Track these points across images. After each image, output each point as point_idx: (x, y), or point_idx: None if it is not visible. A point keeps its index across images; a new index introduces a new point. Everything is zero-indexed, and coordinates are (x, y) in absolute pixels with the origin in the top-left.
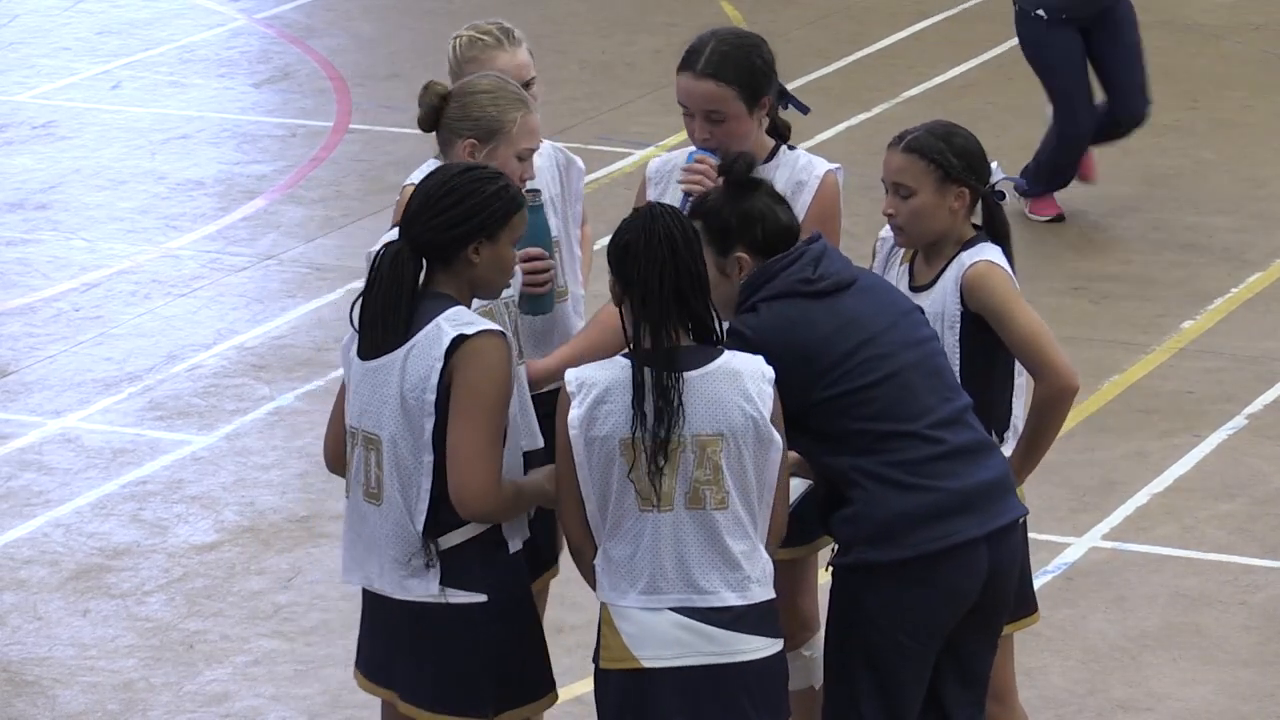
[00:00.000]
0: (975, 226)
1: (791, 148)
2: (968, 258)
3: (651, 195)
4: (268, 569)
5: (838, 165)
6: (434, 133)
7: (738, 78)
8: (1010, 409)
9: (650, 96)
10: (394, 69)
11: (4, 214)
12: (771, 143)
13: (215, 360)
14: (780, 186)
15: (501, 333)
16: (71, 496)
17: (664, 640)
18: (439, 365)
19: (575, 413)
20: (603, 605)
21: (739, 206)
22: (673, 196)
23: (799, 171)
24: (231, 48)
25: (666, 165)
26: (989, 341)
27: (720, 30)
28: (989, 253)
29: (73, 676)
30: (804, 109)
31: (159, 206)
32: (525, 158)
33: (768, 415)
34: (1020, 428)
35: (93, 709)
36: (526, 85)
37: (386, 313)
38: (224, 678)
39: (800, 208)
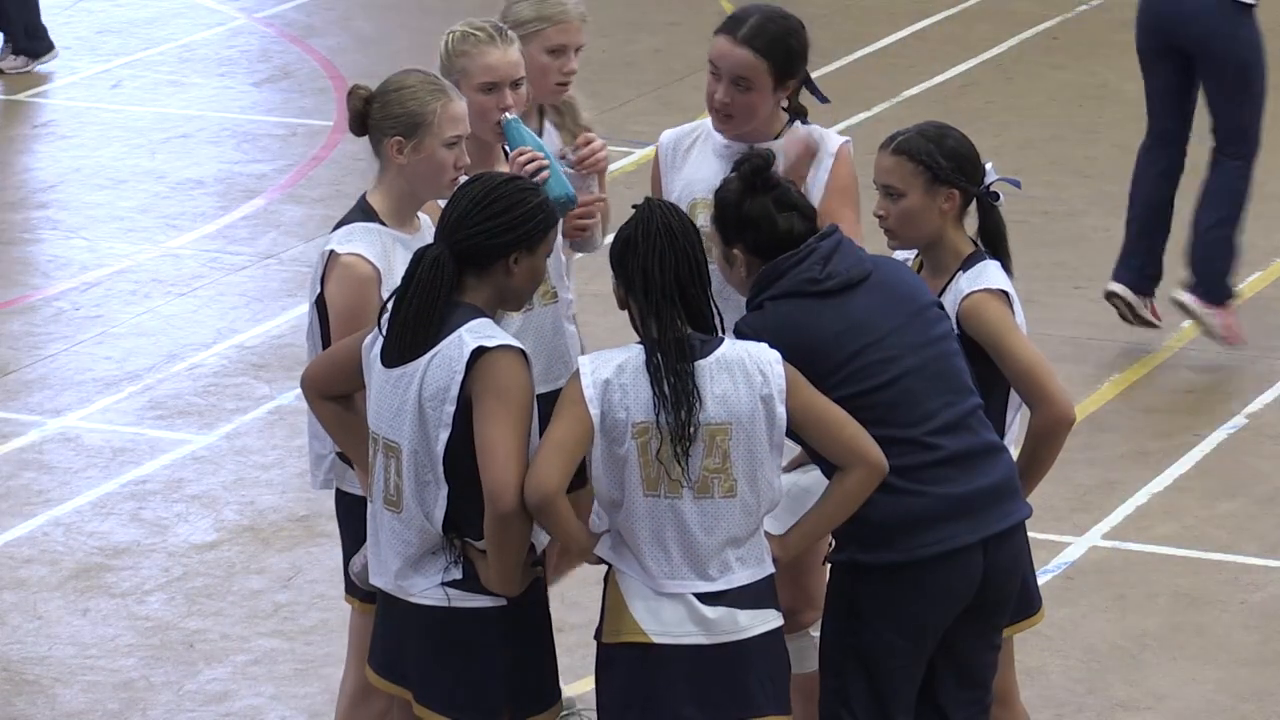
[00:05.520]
0: (974, 241)
1: (804, 123)
2: (966, 284)
3: (665, 167)
4: (268, 568)
5: (847, 138)
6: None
7: (773, 53)
8: (1005, 427)
9: (650, 96)
10: (394, 68)
11: (4, 213)
12: (784, 119)
13: (215, 359)
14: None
15: (521, 349)
16: (71, 496)
17: (673, 618)
18: (459, 377)
19: (590, 383)
20: (610, 578)
21: (741, 208)
22: (693, 169)
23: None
24: (231, 47)
25: (681, 137)
26: (988, 364)
27: (766, 6)
28: (988, 276)
29: (73, 676)
30: (823, 98)
31: (159, 206)
32: (455, 144)
33: (782, 390)
34: (1016, 439)
35: (92, 708)
36: (516, 84)
37: (418, 319)
38: (224, 677)
39: (818, 185)
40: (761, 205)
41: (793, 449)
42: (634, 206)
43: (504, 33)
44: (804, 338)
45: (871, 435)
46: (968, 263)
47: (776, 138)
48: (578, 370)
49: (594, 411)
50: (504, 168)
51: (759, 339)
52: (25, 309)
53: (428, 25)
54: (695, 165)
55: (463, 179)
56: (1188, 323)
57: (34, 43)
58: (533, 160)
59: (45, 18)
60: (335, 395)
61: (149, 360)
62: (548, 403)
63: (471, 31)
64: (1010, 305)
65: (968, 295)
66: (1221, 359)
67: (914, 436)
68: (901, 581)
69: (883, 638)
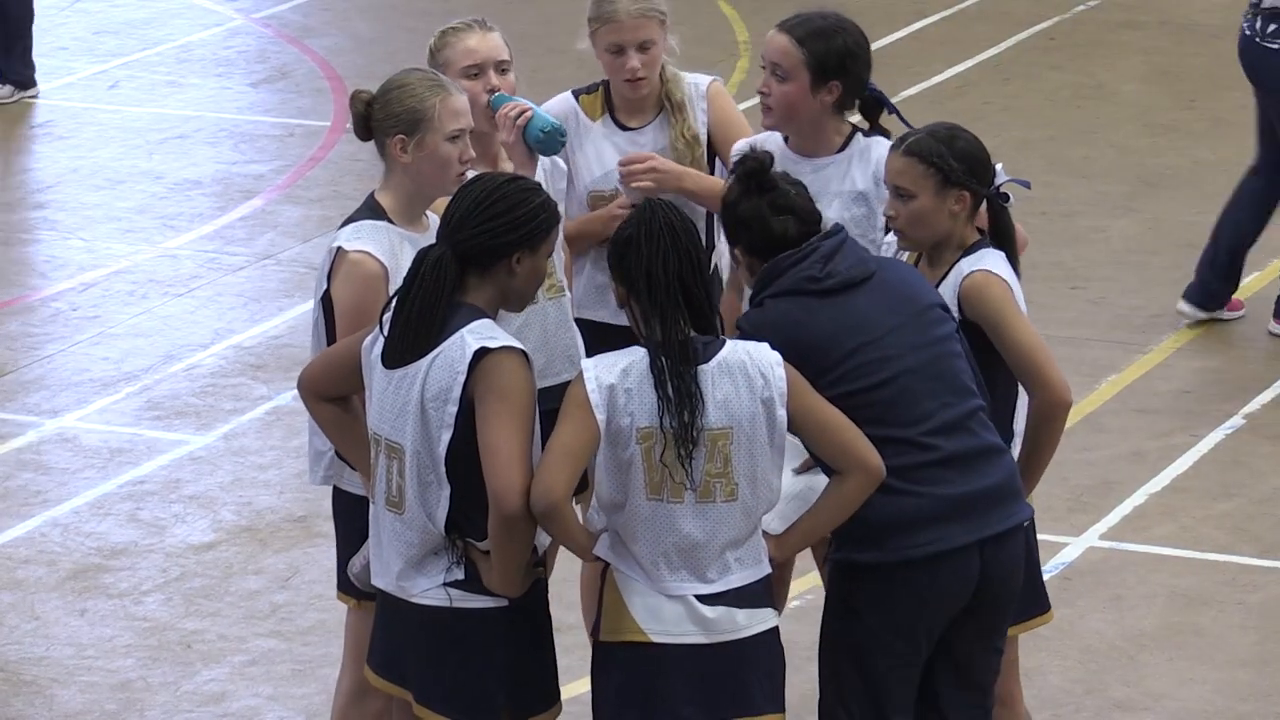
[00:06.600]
0: (980, 231)
1: (866, 133)
2: (967, 265)
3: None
4: (265, 569)
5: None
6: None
7: (811, 44)
8: (1012, 417)
9: None
10: (391, 69)
11: (1, 214)
12: (847, 130)
13: (213, 360)
14: (857, 179)
15: (523, 350)
16: (69, 496)
17: (672, 617)
18: (461, 378)
19: (595, 388)
20: (609, 577)
21: (736, 209)
22: None
23: (866, 160)
24: (229, 47)
25: (751, 146)
26: (989, 350)
27: (829, 10)
28: (989, 261)
29: (70, 676)
30: (909, 126)
31: (156, 206)
32: (458, 138)
33: (783, 393)
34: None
35: (90, 709)
36: (501, 69)
37: (420, 320)
38: (221, 677)
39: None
40: (755, 207)
41: (805, 452)
42: (631, 205)
43: (484, 22)
44: (801, 335)
45: (868, 434)
46: (970, 250)
47: (839, 151)
48: (581, 375)
49: (600, 417)
50: (505, 165)
51: (758, 336)
52: (23, 309)
53: (425, 25)
54: None
55: (470, 174)
56: (1185, 323)
57: (26, 72)
58: (514, 107)
59: (42, 18)
60: (333, 397)
61: (146, 361)
62: (550, 397)
63: (451, 26)
64: (1012, 292)
65: (969, 275)
66: (1219, 359)
67: (910, 436)
68: (894, 581)
69: (877, 637)
